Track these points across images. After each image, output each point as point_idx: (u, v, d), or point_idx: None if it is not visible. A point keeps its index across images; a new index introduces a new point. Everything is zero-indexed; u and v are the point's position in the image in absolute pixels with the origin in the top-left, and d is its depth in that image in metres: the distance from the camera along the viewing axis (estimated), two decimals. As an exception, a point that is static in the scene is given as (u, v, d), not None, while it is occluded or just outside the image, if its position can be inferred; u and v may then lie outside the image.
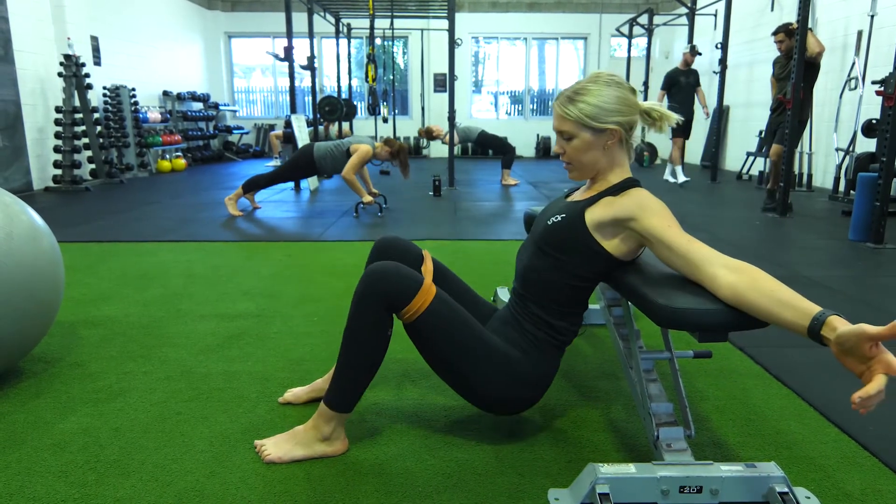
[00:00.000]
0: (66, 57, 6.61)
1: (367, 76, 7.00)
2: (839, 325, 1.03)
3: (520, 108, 12.39)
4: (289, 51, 6.50)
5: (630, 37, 10.31)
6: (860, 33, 5.93)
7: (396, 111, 11.50)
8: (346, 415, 1.44)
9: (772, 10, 7.90)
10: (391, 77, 10.24)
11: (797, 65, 4.54)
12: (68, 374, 1.89)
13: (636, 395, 1.50)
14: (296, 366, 1.98)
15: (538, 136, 11.98)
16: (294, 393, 1.73)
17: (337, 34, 9.38)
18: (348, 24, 9.65)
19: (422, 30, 10.12)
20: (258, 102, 12.46)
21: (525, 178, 7.90)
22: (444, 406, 1.70)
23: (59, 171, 6.60)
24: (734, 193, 6.52)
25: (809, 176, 6.52)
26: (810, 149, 6.57)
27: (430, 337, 1.40)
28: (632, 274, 1.42)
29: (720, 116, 7.83)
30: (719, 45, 7.22)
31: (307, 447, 1.43)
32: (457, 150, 10.20)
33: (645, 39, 10.08)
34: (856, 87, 5.81)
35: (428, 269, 1.62)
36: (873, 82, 5.35)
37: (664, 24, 9.96)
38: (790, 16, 7.28)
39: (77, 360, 2.01)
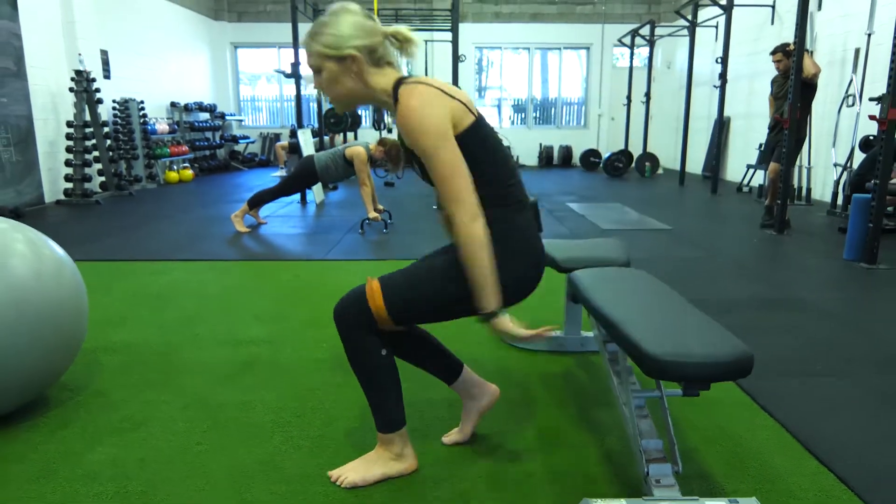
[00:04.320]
0: (78, 72, 6.74)
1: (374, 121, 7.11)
2: (500, 325, 1.42)
3: (522, 117, 12.50)
4: (295, 66, 6.62)
5: (632, 48, 10.41)
6: (857, 51, 6.02)
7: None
8: (402, 430, 1.57)
9: (772, 23, 7.99)
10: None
11: (794, 85, 4.63)
12: (92, 403, 2.00)
13: (629, 430, 1.60)
14: (308, 394, 2.09)
15: (541, 145, 12.08)
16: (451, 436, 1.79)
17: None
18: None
19: (426, 41, 10.23)
20: (264, 111, 12.60)
21: (527, 189, 7.98)
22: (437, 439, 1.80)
23: (70, 185, 6.73)
24: (734, 207, 6.60)
25: (808, 190, 6.60)
26: (809, 163, 6.65)
27: (415, 314, 1.50)
28: (615, 306, 1.52)
29: (721, 128, 7.92)
30: (719, 60, 7.31)
31: (383, 466, 1.56)
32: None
33: (647, 49, 10.18)
34: (853, 104, 5.89)
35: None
36: (870, 99, 5.45)
37: (666, 35, 10.05)
38: (790, 29, 7.38)
39: (100, 388, 2.12)
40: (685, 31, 8.59)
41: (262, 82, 12.74)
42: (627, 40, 10.48)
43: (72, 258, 3.33)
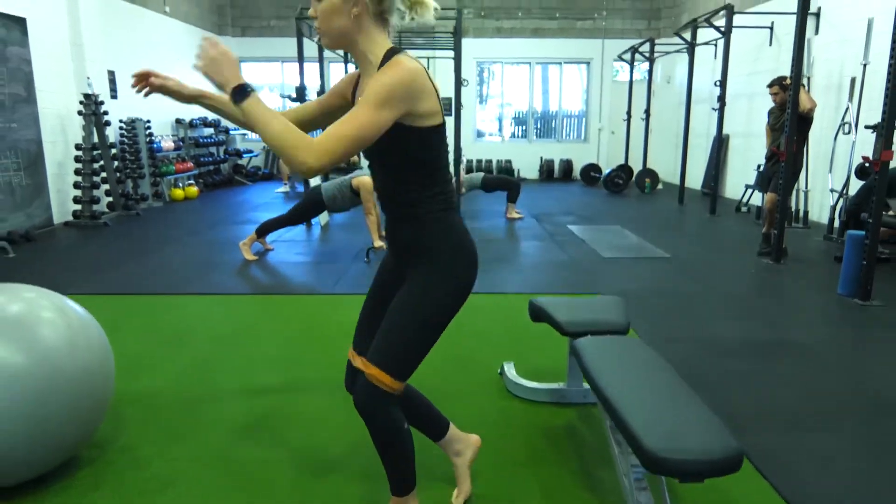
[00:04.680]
0: (86, 96, 6.85)
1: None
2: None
3: (523, 130, 12.62)
4: (301, 91, 6.73)
5: (632, 63, 10.53)
6: (853, 80, 6.13)
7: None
8: (414, 490, 1.68)
9: (770, 45, 8.11)
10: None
11: (790, 119, 4.74)
12: (120, 461, 2.11)
13: (628, 500, 1.71)
14: (323, 451, 2.19)
15: (542, 158, 12.19)
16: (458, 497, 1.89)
17: (346, 62, 9.62)
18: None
19: (427, 58, 10.34)
20: (267, 123, 12.69)
21: (529, 208, 8.10)
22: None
23: (78, 207, 6.84)
24: (732, 229, 6.71)
25: (805, 212, 6.71)
26: (806, 186, 6.76)
27: (417, 360, 1.56)
28: (615, 389, 1.63)
29: (720, 145, 8.02)
30: (718, 83, 7.42)
31: None
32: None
33: (646, 63, 10.29)
34: (849, 132, 6.00)
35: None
36: (866, 127, 5.55)
37: (665, 54, 10.16)
38: (788, 52, 7.47)
39: (126, 443, 2.23)
40: (685, 48, 8.70)
41: (264, 93, 12.85)
42: (627, 56, 10.61)
43: (85, 291, 3.40)
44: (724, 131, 8.67)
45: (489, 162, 12.14)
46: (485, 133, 12.67)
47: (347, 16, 1.43)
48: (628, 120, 10.62)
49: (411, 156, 1.49)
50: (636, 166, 10.59)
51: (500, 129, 12.64)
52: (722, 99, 7.41)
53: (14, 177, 6.18)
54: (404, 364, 1.54)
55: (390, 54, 1.44)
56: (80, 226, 6.75)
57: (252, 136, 12.49)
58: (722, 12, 7.50)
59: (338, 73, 11.90)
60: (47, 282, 4.39)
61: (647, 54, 9.94)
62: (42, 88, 6.58)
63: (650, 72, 10.23)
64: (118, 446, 2.21)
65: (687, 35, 8.37)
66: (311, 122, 1.68)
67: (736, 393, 2.66)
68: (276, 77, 12.46)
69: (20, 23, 6.28)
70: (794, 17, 4.68)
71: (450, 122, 11.12)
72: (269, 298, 4.10)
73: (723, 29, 7.33)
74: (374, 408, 1.55)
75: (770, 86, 5.21)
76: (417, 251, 1.57)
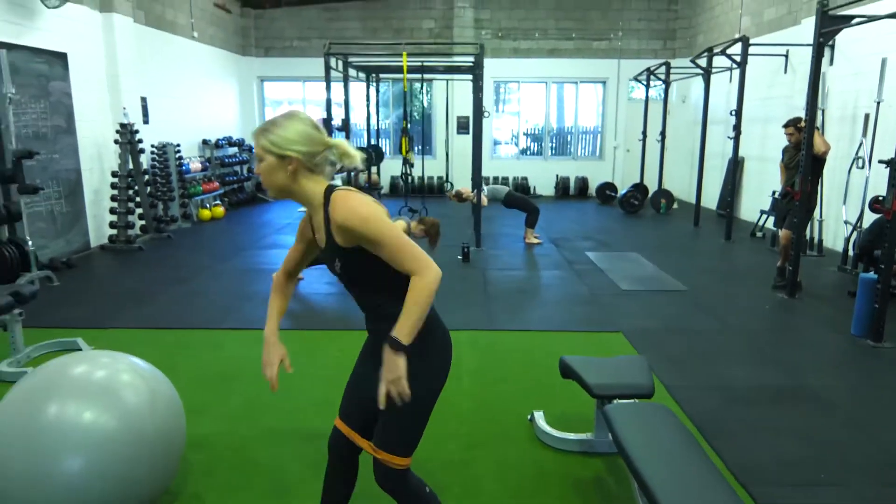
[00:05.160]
0: (122, 125, 7.14)
1: (401, 148, 7.47)
2: (399, 361, 1.59)
3: (539, 148, 12.81)
4: (328, 122, 6.98)
5: (647, 85, 10.70)
6: (867, 116, 6.26)
7: (420, 148, 11.98)
8: None
9: (785, 72, 8.25)
10: (416, 115, 10.69)
11: (805, 161, 4.91)
12: (191, 510, 2.33)
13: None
14: (377, 499, 2.40)
15: (557, 176, 12.38)
16: None
17: (367, 87, 9.88)
18: (377, 75, 10.13)
19: (447, 80, 10.59)
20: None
21: (546, 230, 8.29)
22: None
23: (113, 231, 7.13)
24: (747, 258, 6.86)
25: (820, 241, 6.85)
26: (821, 216, 6.89)
27: (418, 434, 1.80)
28: (646, 464, 1.83)
29: (735, 167, 8.16)
30: (733, 112, 7.58)
31: None
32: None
33: (662, 82, 10.45)
34: (863, 167, 6.14)
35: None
36: (880, 161, 5.69)
37: (681, 78, 10.31)
38: (803, 80, 7.62)
39: (194, 491, 2.45)
40: (701, 74, 8.86)
41: (283, 107, 13.15)
42: (643, 77, 10.77)
43: (128, 325, 3.62)
44: (740, 154, 8.82)
45: (505, 179, 12.34)
46: (500, 150, 12.88)
47: (284, 172, 1.64)
48: (644, 140, 10.78)
49: (380, 271, 1.66)
50: (651, 185, 10.74)
51: (517, 145, 12.84)
52: (738, 127, 7.57)
53: (56, 205, 6.48)
54: (407, 443, 1.79)
55: (329, 192, 1.66)
56: (116, 250, 7.03)
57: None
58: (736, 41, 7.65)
59: (359, 90, 12.18)
60: (92, 316, 4.68)
61: (663, 77, 10.10)
62: (81, 119, 6.88)
63: (665, 93, 10.39)
64: (187, 494, 2.43)
65: (703, 62, 8.53)
66: (301, 262, 1.94)
67: (750, 443, 2.84)
68: (298, 94, 12.75)
69: (62, 58, 6.58)
70: (809, 47, 4.82)
71: (467, 140, 11.37)
72: (306, 334, 4.32)
73: (738, 59, 7.48)
74: (393, 484, 1.80)
75: (786, 126, 5.37)
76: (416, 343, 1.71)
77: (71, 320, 4.55)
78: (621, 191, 11.09)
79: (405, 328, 1.59)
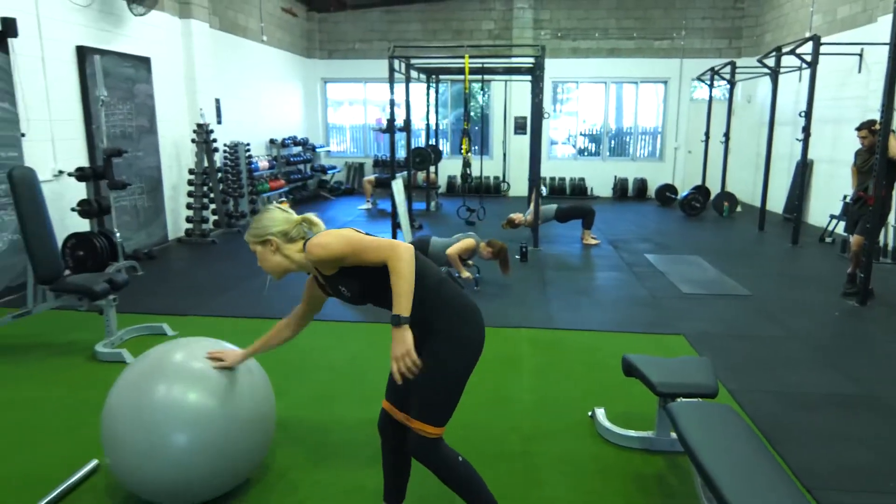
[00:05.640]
0: (199, 125, 7.56)
1: (460, 148, 7.60)
2: (403, 333, 1.85)
3: (597, 148, 12.71)
4: (391, 123, 7.19)
5: (711, 85, 10.47)
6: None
7: (477, 148, 12.10)
8: None
9: (859, 71, 7.94)
10: (474, 116, 10.81)
11: (879, 164, 4.76)
12: (277, 484, 2.53)
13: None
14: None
15: (615, 177, 12.26)
16: None
17: (427, 88, 10.07)
18: (437, 76, 10.31)
19: (505, 81, 10.66)
20: (347, 138, 13.39)
21: (604, 232, 8.27)
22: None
23: (189, 225, 7.55)
24: (815, 263, 6.67)
25: (895, 248, 6.59)
26: (895, 221, 6.63)
27: (451, 406, 1.99)
28: (711, 460, 1.89)
29: (803, 170, 7.92)
30: (803, 114, 7.37)
31: None
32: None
33: (726, 82, 10.21)
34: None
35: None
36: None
37: (746, 78, 10.05)
38: (878, 80, 7.33)
39: (278, 467, 2.65)
40: (768, 74, 8.63)
41: (344, 107, 13.52)
42: (706, 77, 10.55)
43: (206, 313, 3.87)
44: (809, 157, 8.54)
45: (562, 180, 12.32)
46: (556, 151, 12.85)
47: (271, 252, 1.99)
48: (706, 141, 10.56)
49: (374, 275, 1.93)
50: (714, 188, 10.52)
51: (574, 146, 12.79)
52: (807, 129, 7.35)
53: (139, 200, 6.93)
54: (439, 414, 1.96)
55: (304, 245, 1.95)
56: (191, 243, 7.45)
57: (333, 149, 13.20)
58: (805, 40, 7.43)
59: (418, 91, 12.41)
60: (173, 303, 5.01)
61: (728, 76, 9.87)
62: (162, 119, 7.32)
63: (730, 93, 10.15)
64: (274, 470, 2.63)
65: (770, 61, 8.31)
66: (311, 310, 2.32)
67: (815, 449, 2.83)
68: (359, 94, 13.08)
69: (146, 62, 7.03)
70: (885, 46, 4.68)
71: (524, 141, 11.42)
72: (371, 327, 4.50)
73: (809, 59, 7.27)
74: (425, 452, 1.97)
75: (859, 129, 5.22)
76: (421, 326, 1.95)
77: (155, 307, 4.89)
78: (682, 193, 10.91)
79: (399, 303, 1.83)
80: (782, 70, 8.36)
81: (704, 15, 11.64)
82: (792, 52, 7.67)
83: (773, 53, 8.18)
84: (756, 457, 1.94)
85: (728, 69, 9.87)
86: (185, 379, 2.25)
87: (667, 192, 11.35)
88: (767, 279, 5.92)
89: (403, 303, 1.84)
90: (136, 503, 2.36)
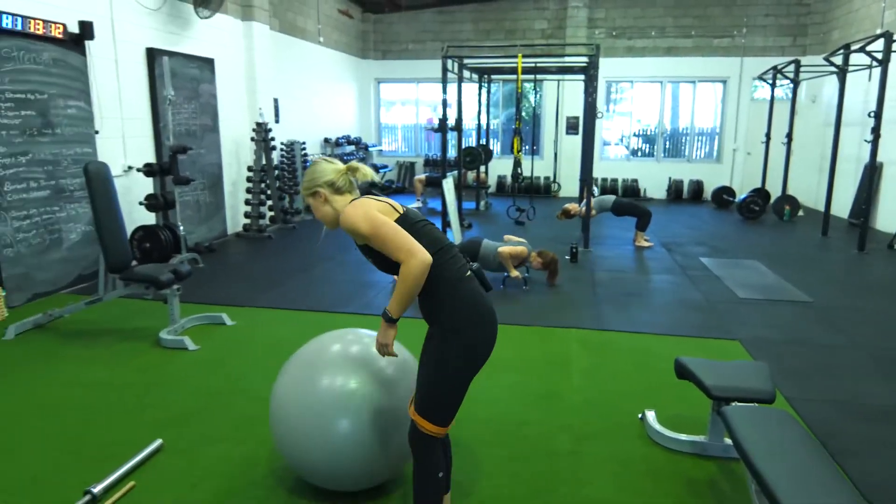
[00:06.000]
0: (258, 124, 7.81)
1: (511, 148, 7.61)
2: (389, 331, 1.98)
3: (651, 149, 12.46)
4: (443, 122, 7.25)
5: (773, 84, 10.11)
6: None
7: (528, 148, 12.04)
8: None
9: (936, 69, 7.51)
10: (526, 116, 10.77)
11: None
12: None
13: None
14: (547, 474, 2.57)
15: (670, 178, 11.99)
16: None
17: (479, 88, 10.10)
18: (489, 76, 10.32)
19: (558, 80, 10.58)
20: (399, 137, 13.55)
21: (657, 234, 8.11)
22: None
23: (247, 221, 7.82)
24: (883, 271, 6.36)
25: (971, 256, 6.22)
26: (973, 228, 6.26)
27: (450, 405, 1.96)
28: (766, 464, 1.84)
29: (872, 173, 7.55)
30: (872, 114, 7.04)
31: None
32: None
33: (789, 81, 9.83)
34: None
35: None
36: None
37: (812, 77, 9.66)
38: (957, 79, 6.94)
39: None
40: (835, 72, 8.27)
41: (396, 107, 13.68)
42: (768, 76, 10.19)
43: (266, 304, 4.02)
44: (878, 159, 8.15)
45: (614, 181, 12.13)
46: (608, 152, 12.66)
47: (322, 203, 2.04)
48: (767, 142, 10.20)
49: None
50: (774, 190, 10.15)
51: (628, 147, 12.57)
52: (876, 130, 7.02)
53: (200, 195, 7.22)
54: (437, 412, 1.94)
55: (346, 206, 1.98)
56: (249, 238, 7.71)
57: (385, 149, 13.38)
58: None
59: (469, 91, 12.44)
60: (232, 295, 5.20)
61: (792, 75, 9.51)
62: (223, 118, 7.60)
63: (794, 92, 9.77)
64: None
65: (838, 60, 7.97)
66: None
67: (879, 461, 2.72)
68: (412, 94, 13.22)
69: (210, 63, 7.31)
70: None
71: (575, 141, 11.30)
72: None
73: (880, 57, 6.94)
74: (415, 444, 1.99)
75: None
76: (428, 318, 1.99)
77: (214, 298, 5.10)
78: (740, 195, 10.57)
79: (393, 304, 1.91)
80: (851, 68, 8.00)
81: (767, 12, 11.24)
82: (861, 50, 7.33)
83: (842, 51, 7.84)
84: (815, 463, 1.89)
85: (792, 68, 9.52)
86: (344, 368, 2.28)
87: (724, 194, 11.03)
88: (830, 286, 5.69)
89: (396, 304, 1.89)
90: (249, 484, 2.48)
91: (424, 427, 1.94)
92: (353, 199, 2.01)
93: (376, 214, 1.90)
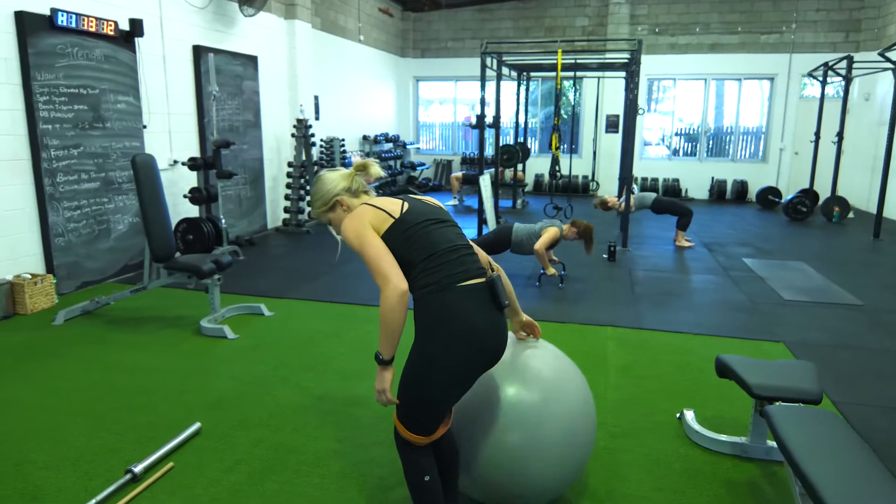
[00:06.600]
0: (299, 121, 7.93)
1: (550, 145, 7.54)
2: (385, 375, 1.82)
3: (692, 148, 12.18)
4: (481, 119, 7.23)
5: (824, 82, 9.76)
6: None
7: (567, 146, 11.92)
8: None
9: None
10: (564, 114, 10.66)
11: None
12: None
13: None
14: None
15: (713, 178, 11.71)
16: None
17: (518, 86, 10.04)
18: (528, 73, 10.25)
19: (598, 78, 10.44)
20: (437, 136, 13.58)
21: (699, 234, 7.92)
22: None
23: (287, 216, 7.95)
24: (937, 274, 6.08)
25: None
26: None
27: (426, 416, 1.84)
28: (812, 465, 1.77)
29: (887, 160, 7.17)
30: (931, 111, 6.72)
31: None
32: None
33: (840, 78, 9.47)
34: None
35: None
36: None
37: (865, 73, 9.30)
38: None
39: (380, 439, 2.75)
40: (890, 69, 7.93)
41: (434, 105, 13.71)
42: (819, 73, 9.84)
43: (304, 297, 4.04)
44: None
45: (654, 181, 11.90)
46: (648, 151, 12.43)
47: (345, 213, 1.97)
48: (816, 141, 9.85)
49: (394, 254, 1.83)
50: (823, 191, 9.80)
51: (669, 146, 12.31)
52: (935, 128, 6.70)
53: (242, 189, 7.37)
54: (413, 422, 1.84)
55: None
56: (288, 232, 7.84)
57: (422, 146, 13.43)
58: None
59: (507, 89, 12.38)
60: (271, 286, 5.28)
61: (843, 72, 9.15)
62: (265, 114, 7.75)
63: (846, 90, 9.41)
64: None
65: (893, 55, 7.64)
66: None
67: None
68: (449, 93, 13.23)
69: (253, 61, 7.45)
70: None
71: (615, 140, 11.13)
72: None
73: (941, 51, 6.62)
74: (399, 449, 1.91)
75: None
76: (415, 327, 1.85)
77: (254, 289, 5.19)
78: (787, 196, 10.25)
79: (380, 344, 1.79)
80: (908, 64, 7.66)
81: (819, 7, 10.86)
82: (920, 45, 7.01)
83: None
84: (865, 467, 1.81)
85: (844, 64, 9.16)
86: (526, 381, 2.13)
87: (769, 195, 10.70)
88: (882, 289, 5.46)
89: (381, 341, 1.78)
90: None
91: (402, 432, 1.87)
92: (361, 204, 1.94)
93: (365, 233, 1.81)
